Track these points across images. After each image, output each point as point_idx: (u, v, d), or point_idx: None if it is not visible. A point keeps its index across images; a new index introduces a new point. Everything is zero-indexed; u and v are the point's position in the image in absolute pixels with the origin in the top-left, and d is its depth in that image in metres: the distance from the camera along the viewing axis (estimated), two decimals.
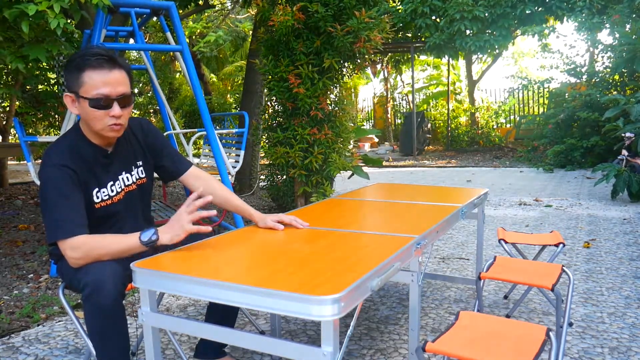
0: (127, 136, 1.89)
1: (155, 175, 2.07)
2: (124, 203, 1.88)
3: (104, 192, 1.81)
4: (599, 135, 9.50)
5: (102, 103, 1.68)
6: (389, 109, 17.29)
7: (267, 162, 5.21)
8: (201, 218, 1.69)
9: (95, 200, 1.79)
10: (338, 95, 4.91)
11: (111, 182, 1.83)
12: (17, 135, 4.09)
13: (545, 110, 13.60)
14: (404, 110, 17.69)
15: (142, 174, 1.95)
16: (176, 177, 2.04)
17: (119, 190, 1.85)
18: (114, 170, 1.85)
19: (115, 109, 1.70)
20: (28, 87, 8.05)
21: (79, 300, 2.96)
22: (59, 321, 2.76)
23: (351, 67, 4.95)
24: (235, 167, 4.89)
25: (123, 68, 1.72)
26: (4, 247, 4.34)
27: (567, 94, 10.96)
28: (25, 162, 4.05)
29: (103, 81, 1.67)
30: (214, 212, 1.70)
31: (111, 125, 1.72)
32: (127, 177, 1.89)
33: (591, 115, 9.46)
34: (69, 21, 3.18)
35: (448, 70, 15.40)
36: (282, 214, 2.06)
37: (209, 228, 1.63)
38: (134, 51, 11.87)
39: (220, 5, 13.88)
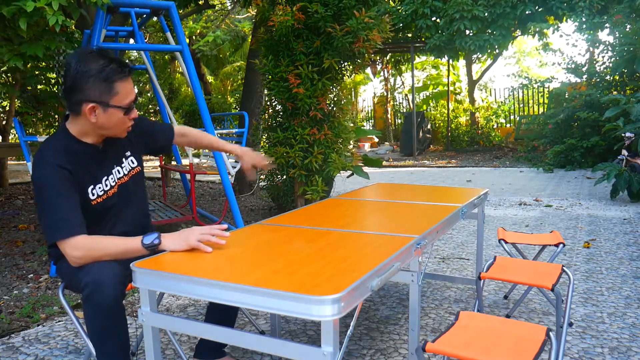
0: None
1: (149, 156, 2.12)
2: (119, 196, 1.89)
3: (99, 188, 1.82)
4: (599, 135, 9.50)
5: (131, 109, 1.81)
6: (389, 109, 17.29)
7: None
8: (210, 242, 1.68)
9: (91, 197, 1.80)
10: (337, 96, 4.90)
11: (105, 177, 1.85)
12: (17, 135, 4.09)
13: (545, 110, 13.59)
14: (404, 110, 17.69)
15: (133, 163, 1.98)
16: (169, 145, 2.18)
17: (113, 184, 1.87)
18: (107, 165, 1.87)
19: (135, 111, 1.83)
20: (29, 87, 8.05)
21: (79, 300, 2.96)
22: (59, 321, 2.76)
23: (351, 67, 4.95)
24: (235, 167, 4.89)
25: None
26: (4, 247, 4.34)
27: (567, 94, 10.95)
28: (25, 162, 4.05)
29: (130, 89, 1.79)
30: (223, 243, 1.69)
31: (128, 127, 1.84)
32: (118, 170, 1.91)
33: (591, 115, 9.46)
34: (69, 20, 3.18)
35: (448, 70, 15.40)
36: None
37: (209, 249, 1.63)
38: (134, 51, 11.87)
39: (220, 5, 13.88)
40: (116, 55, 1.82)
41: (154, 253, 1.64)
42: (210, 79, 16.48)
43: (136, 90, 1.85)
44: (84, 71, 1.70)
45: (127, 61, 1.81)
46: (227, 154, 2.26)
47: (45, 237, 1.69)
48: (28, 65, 6.54)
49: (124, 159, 1.94)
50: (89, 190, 1.79)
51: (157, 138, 2.10)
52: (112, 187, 1.87)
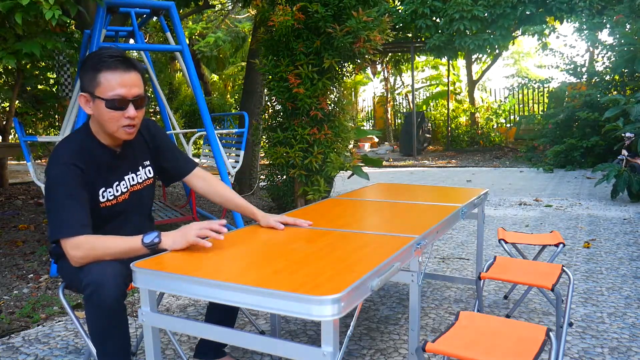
0: (135, 136, 1.89)
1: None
2: (129, 203, 1.88)
3: (109, 192, 1.82)
4: (599, 135, 9.50)
5: (117, 104, 1.70)
6: (389, 109, 17.29)
7: (267, 162, 5.21)
8: (208, 237, 1.68)
9: (101, 199, 1.79)
10: (338, 96, 4.90)
11: (117, 182, 1.84)
12: (17, 135, 4.09)
13: (545, 110, 13.59)
14: (404, 110, 17.69)
15: (150, 173, 1.96)
16: (180, 178, 2.05)
17: (124, 190, 1.86)
18: (121, 171, 1.86)
19: (130, 110, 1.72)
20: (28, 87, 8.05)
21: (79, 300, 2.96)
22: (59, 321, 2.76)
23: (351, 67, 4.95)
24: (235, 167, 4.89)
25: (138, 70, 1.75)
26: (4, 247, 4.34)
27: (567, 94, 10.95)
28: (25, 162, 4.05)
29: (119, 82, 1.69)
30: (221, 237, 1.69)
31: (125, 127, 1.74)
32: (132, 177, 1.89)
33: (591, 115, 9.46)
34: (68, 21, 3.17)
35: (448, 70, 15.40)
36: (284, 214, 2.06)
37: (209, 244, 1.63)
38: (134, 51, 11.88)
39: (220, 5, 13.88)
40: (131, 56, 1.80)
41: (154, 252, 1.64)
42: (215, 78, 16.49)
43: (140, 91, 1.74)
44: (83, 60, 1.75)
45: (128, 55, 1.76)
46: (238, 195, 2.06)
47: (48, 234, 1.69)
48: (27, 66, 6.54)
49: (140, 167, 1.92)
50: (100, 192, 1.79)
51: (169, 159, 1.99)
52: (123, 193, 1.85)
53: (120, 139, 1.79)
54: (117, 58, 1.69)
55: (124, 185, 1.85)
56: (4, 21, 3.43)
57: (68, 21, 3.14)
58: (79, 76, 1.76)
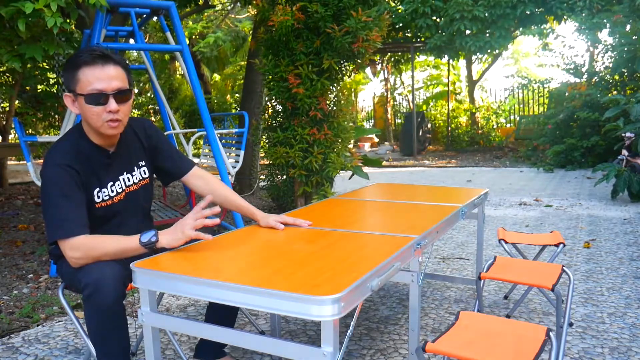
0: (130, 136, 1.89)
1: (154, 176, 2.07)
2: (125, 203, 1.87)
3: (104, 192, 1.81)
4: (599, 135, 9.50)
5: (97, 99, 1.68)
6: (389, 109, 17.29)
7: (267, 162, 5.21)
8: (205, 225, 1.68)
9: (96, 200, 1.79)
10: (337, 96, 4.90)
11: (111, 183, 1.83)
12: (17, 135, 4.09)
13: (545, 110, 13.59)
14: (404, 110, 17.69)
15: (145, 174, 1.95)
16: (178, 177, 2.03)
17: (120, 190, 1.85)
18: (115, 171, 1.85)
19: (112, 104, 1.69)
20: (27, 87, 8.05)
21: (79, 301, 2.96)
22: (59, 321, 2.76)
23: (350, 67, 4.95)
24: (235, 167, 4.89)
25: (118, 64, 1.72)
26: (3, 247, 4.33)
27: (567, 94, 10.95)
28: (25, 162, 4.05)
29: (97, 77, 1.67)
30: (217, 221, 1.70)
31: (108, 122, 1.71)
32: (127, 178, 1.88)
33: (591, 115, 9.46)
34: (67, 21, 3.17)
35: (448, 70, 15.39)
36: (284, 214, 2.06)
37: (209, 236, 1.63)
38: (134, 51, 11.88)
39: (220, 5, 13.88)
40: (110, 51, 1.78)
41: (153, 251, 1.64)
42: (215, 78, 16.48)
43: (122, 85, 1.73)
44: (66, 61, 1.73)
45: (107, 50, 1.73)
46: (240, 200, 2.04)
47: (46, 235, 1.69)
48: (28, 66, 6.53)
49: (135, 168, 1.91)
50: (95, 192, 1.78)
51: (165, 159, 1.99)
52: (118, 193, 1.85)
53: (108, 135, 1.76)
54: (95, 54, 1.68)
55: (119, 185, 1.85)
56: (5, 24, 3.43)
57: (67, 21, 3.14)
58: (63, 78, 1.75)
